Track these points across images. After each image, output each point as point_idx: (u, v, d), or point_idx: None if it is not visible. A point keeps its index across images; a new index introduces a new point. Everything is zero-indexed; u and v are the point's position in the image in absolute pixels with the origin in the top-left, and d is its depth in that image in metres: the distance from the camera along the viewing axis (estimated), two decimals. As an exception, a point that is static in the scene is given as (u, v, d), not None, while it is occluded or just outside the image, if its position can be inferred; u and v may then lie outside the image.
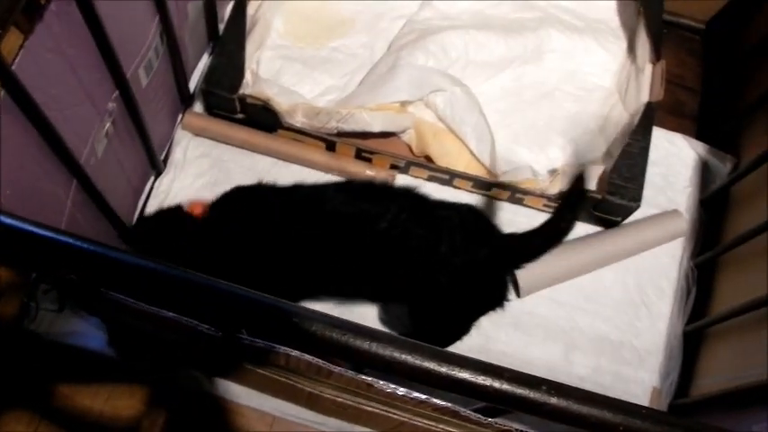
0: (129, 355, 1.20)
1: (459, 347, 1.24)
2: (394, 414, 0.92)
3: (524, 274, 1.27)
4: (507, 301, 1.13)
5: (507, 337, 1.28)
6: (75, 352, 1.19)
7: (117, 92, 1.01)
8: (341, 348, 0.63)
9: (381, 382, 0.73)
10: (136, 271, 0.66)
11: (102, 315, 1.02)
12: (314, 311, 0.64)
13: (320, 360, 0.72)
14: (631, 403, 0.65)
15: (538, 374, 0.64)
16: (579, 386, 0.67)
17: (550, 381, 0.63)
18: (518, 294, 1.29)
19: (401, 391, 0.73)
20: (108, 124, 1.02)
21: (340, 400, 0.92)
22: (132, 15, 1.00)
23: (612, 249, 1.32)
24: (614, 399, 0.64)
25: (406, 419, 0.93)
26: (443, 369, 0.61)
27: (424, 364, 0.61)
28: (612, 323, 1.31)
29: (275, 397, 1.18)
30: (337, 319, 0.63)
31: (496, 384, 0.61)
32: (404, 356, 0.61)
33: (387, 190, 1.13)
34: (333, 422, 1.21)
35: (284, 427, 1.22)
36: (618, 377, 1.28)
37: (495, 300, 1.13)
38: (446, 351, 0.62)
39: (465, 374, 0.61)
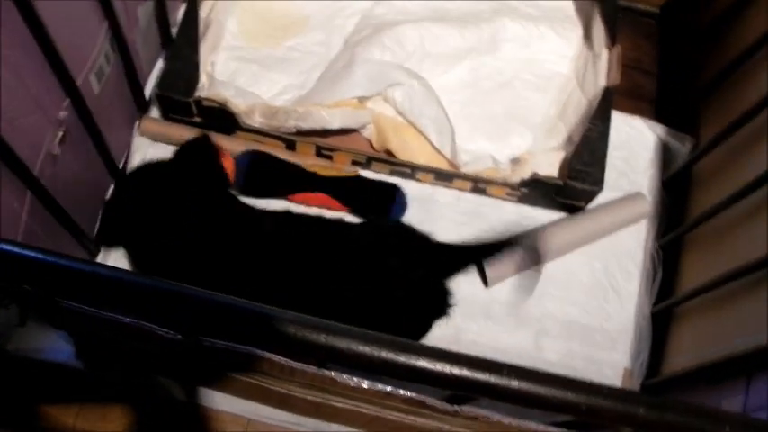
0: (97, 365, 1.19)
1: (428, 340, 1.24)
2: (365, 409, 0.92)
3: (491, 263, 1.27)
4: (450, 307, 1.22)
5: (478, 326, 1.28)
6: (44, 367, 1.18)
7: (68, 100, 1.00)
8: (298, 344, 0.63)
9: (345, 376, 0.72)
10: (90, 279, 0.65)
11: (66, 327, 1.01)
12: (269, 308, 0.63)
13: (282, 357, 0.72)
14: (593, 382, 0.65)
15: (510, 362, 0.64)
16: (551, 371, 0.66)
17: (510, 364, 0.63)
18: (485, 284, 1.29)
19: (365, 383, 0.72)
20: (61, 133, 1.00)
21: (310, 398, 0.92)
22: (79, 21, 0.99)
23: (578, 235, 1.33)
24: (576, 379, 0.64)
25: (378, 414, 0.93)
26: (401, 358, 0.61)
27: (381, 354, 0.61)
28: (582, 307, 1.31)
29: (247, 399, 1.18)
30: (294, 314, 0.63)
31: (455, 371, 0.61)
32: (361, 348, 0.61)
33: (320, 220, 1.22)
34: (309, 422, 1.20)
35: (260, 429, 1.21)
36: (589, 360, 1.28)
37: (440, 309, 1.22)
38: (403, 340, 0.62)
39: (423, 362, 0.61)
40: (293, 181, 1.27)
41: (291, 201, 1.28)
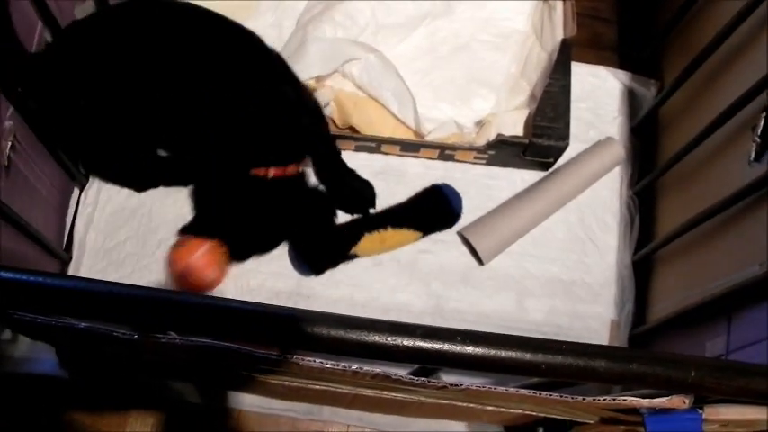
0: (82, 373, 1.18)
1: (410, 314, 1.24)
2: (343, 389, 0.91)
3: (481, 242, 1.26)
4: None
5: (458, 294, 1.27)
6: (29, 380, 1.17)
7: (12, 108, 0.98)
8: (250, 331, 0.62)
9: (306, 359, 0.72)
10: (36, 289, 0.64)
11: (32, 336, 1.00)
12: (218, 298, 0.62)
13: (242, 346, 0.71)
14: (550, 340, 0.64)
15: (494, 326, 0.63)
16: (537, 331, 0.65)
17: (464, 330, 0.62)
18: (481, 262, 1.28)
19: (328, 364, 0.71)
20: (9, 143, 0.99)
21: (286, 383, 0.91)
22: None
23: (560, 193, 1.31)
24: (531, 338, 0.63)
25: (357, 392, 0.92)
26: (352, 335, 0.60)
27: (331, 333, 0.60)
28: (561, 263, 1.30)
29: (234, 390, 1.17)
30: (240, 302, 0.62)
31: (407, 342, 0.60)
32: (310, 329, 0.60)
33: None
34: (299, 406, 1.20)
35: (251, 420, 1.21)
36: (574, 316, 1.28)
37: None
38: (353, 317, 0.61)
39: (374, 337, 0.60)
40: (352, 236, 1.22)
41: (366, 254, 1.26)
